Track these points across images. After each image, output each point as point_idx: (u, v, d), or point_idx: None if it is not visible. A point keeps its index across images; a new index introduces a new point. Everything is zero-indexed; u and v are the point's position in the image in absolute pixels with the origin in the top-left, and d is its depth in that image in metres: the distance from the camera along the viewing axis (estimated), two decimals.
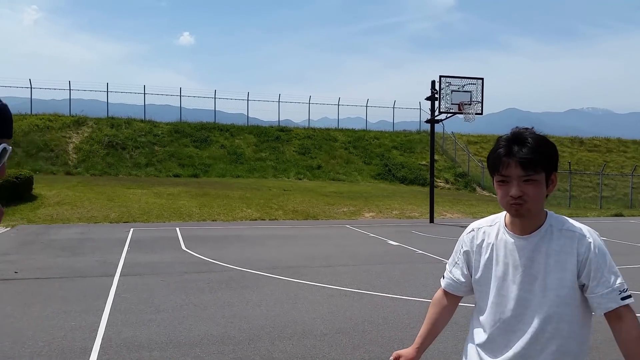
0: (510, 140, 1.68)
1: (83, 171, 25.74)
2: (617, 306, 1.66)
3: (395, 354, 1.98)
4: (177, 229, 13.95)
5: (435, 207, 17.66)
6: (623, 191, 28.85)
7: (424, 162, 31.61)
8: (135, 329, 5.33)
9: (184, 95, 35.31)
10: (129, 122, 31.56)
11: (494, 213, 1.94)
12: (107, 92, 33.96)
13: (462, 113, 17.36)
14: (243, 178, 27.26)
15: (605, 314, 1.69)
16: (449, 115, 17.75)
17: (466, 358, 1.93)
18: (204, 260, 9.37)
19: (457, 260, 1.97)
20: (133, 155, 28.42)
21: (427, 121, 18.27)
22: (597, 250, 1.69)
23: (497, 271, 1.80)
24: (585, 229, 1.74)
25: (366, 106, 38.33)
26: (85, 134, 29.39)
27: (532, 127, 1.74)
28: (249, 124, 35.36)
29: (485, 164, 1.80)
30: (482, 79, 17.69)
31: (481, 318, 1.86)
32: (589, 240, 1.70)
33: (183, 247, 10.93)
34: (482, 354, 1.84)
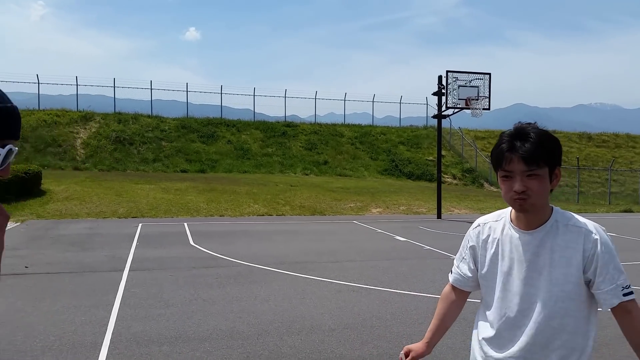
0: (513, 136, 1.69)
1: (91, 166, 25.87)
2: (619, 302, 1.68)
3: (405, 348, 2.01)
4: (185, 224, 14.01)
5: (442, 203, 17.63)
6: (632, 187, 28.67)
7: (431, 158, 31.53)
8: (144, 324, 5.37)
9: (190, 91, 35.42)
10: (136, 117, 31.67)
11: (502, 209, 1.94)
12: (114, 87, 34.08)
13: (469, 108, 17.30)
14: (250, 173, 27.31)
15: (612, 309, 1.71)
16: (456, 110, 17.69)
17: (472, 352, 1.95)
18: (212, 256, 9.41)
19: (464, 255, 1.98)
20: (140, 151, 28.53)
21: (434, 116, 18.21)
22: (604, 247, 1.69)
23: (502, 266, 1.81)
24: (591, 224, 1.74)
25: (373, 101, 38.25)
26: (93, 130, 29.52)
27: (536, 122, 1.74)
28: (256, 119, 35.39)
29: None
30: (490, 74, 17.61)
31: (487, 313, 1.87)
32: (596, 236, 1.70)
33: (191, 242, 10.98)
34: (488, 348, 1.85)
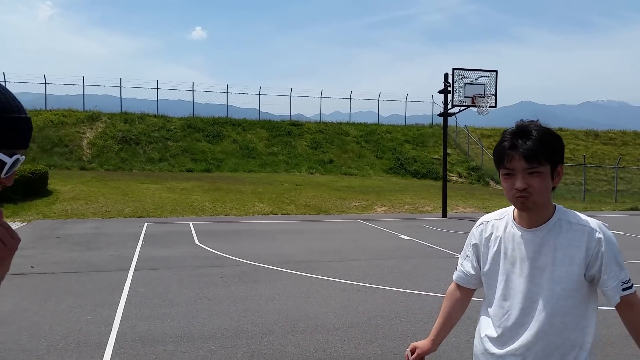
0: (515, 134, 1.70)
1: (97, 166, 25.98)
2: (620, 296, 1.71)
3: (411, 345, 2.05)
4: (191, 223, 14.04)
5: (448, 202, 17.57)
6: (639, 185, 28.49)
7: (436, 156, 31.45)
8: (149, 323, 5.38)
9: (196, 90, 35.49)
10: (142, 117, 31.76)
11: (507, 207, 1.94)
12: (121, 87, 34.20)
13: (475, 106, 17.22)
14: (255, 173, 27.33)
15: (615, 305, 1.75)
16: (462, 108, 17.62)
17: (475, 349, 1.97)
18: (217, 255, 9.42)
19: (467, 253, 2.00)
20: (146, 151, 28.61)
21: (440, 114, 18.15)
22: (608, 245, 1.70)
23: (504, 264, 1.82)
24: (594, 222, 1.75)
25: (378, 100, 38.18)
26: (99, 129, 29.63)
27: (538, 120, 1.75)
28: (261, 118, 35.41)
29: None
30: (496, 71, 17.51)
31: (489, 310, 1.89)
32: (599, 234, 1.71)
33: (196, 241, 11.00)
34: (490, 345, 1.86)
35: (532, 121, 1.74)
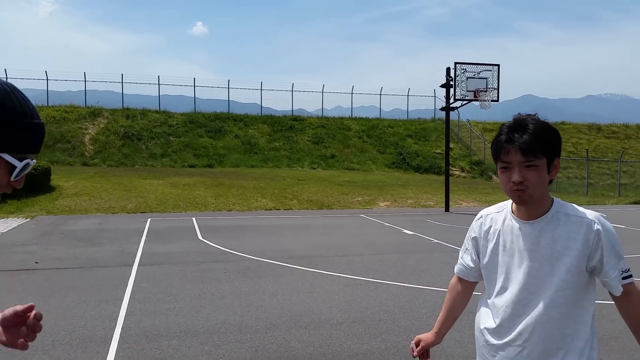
0: (512, 127, 1.72)
1: (100, 162, 26.02)
2: (621, 285, 1.73)
3: (416, 338, 2.10)
4: (193, 219, 14.06)
5: (450, 196, 17.56)
6: None
7: (438, 151, 31.41)
8: (154, 318, 5.40)
9: (197, 86, 35.46)
10: (144, 112, 31.77)
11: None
12: (122, 83, 34.25)
13: (477, 100, 17.19)
14: (257, 168, 27.34)
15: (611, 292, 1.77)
16: (465, 102, 17.59)
17: (476, 341, 1.99)
18: (221, 250, 9.44)
19: (467, 246, 2.03)
20: (149, 146, 28.64)
21: (442, 109, 18.11)
22: (607, 236, 1.72)
23: (504, 256, 1.85)
24: (592, 214, 1.76)
25: (380, 94, 38.11)
26: (101, 125, 29.66)
27: (536, 114, 1.77)
28: (263, 113, 35.40)
29: None
30: (498, 65, 17.47)
31: (488, 302, 1.92)
32: (598, 226, 1.72)
33: (199, 236, 11.03)
34: (489, 337, 1.89)
35: (529, 115, 1.76)
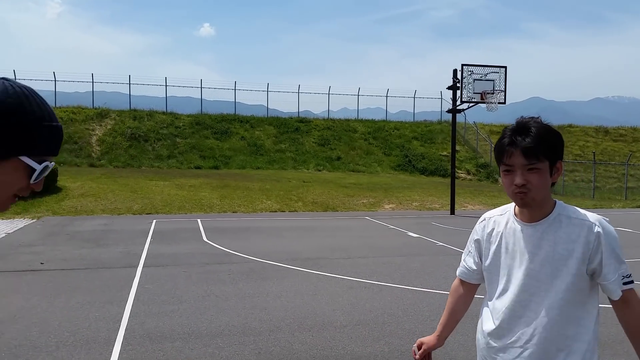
0: (515, 130, 1.73)
1: (106, 163, 26.12)
2: (621, 290, 1.73)
3: (418, 341, 2.11)
4: (199, 220, 14.09)
5: (456, 199, 17.51)
6: None
7: (445, 153, 31.33)
8: (158, 320, 5.41)
9: (204, 87, 35.57)
10: (151, 114, 31.88)
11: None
12: (129, 84, 34.36)
13: (484, 102, 17.13)
14: (263, 169, 27.37)
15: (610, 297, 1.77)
16: (471, 104, 17.53)
17: (477, 343, 2.01)
18: (225, 252, 9.45)
19: (470, 249, 2.05)
20: (155, 147, 28.73)
21: (449, 111, 18.06)
22: (607, 239, 1.72)
23: (505, 259, 1.86)
24: (594, 217, 1.77)
25: (386, 96, 38.08)
26: (108, 126, 29.78)
27: (539, 117, 1.79)
28: (269, 115, 35.44)
29: None
30: (505, 67, 17.41)
31: (490, 304, 1.93)
32: (599, 228, 1.72)
33: (204, 238, 11.04)
34: (490, 339, 1.90)
35: (532, 118, 1.77)
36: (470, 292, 2.11)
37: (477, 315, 2.05)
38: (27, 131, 1.06)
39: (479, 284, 2.10)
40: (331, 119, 35.60)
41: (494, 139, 32.59)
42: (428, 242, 11.01)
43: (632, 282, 1.74)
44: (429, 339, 2.10)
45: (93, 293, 6.50)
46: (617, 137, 36.06)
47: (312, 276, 7.59)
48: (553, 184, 1.77)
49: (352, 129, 34.14)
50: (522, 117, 1.79)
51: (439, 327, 2.12)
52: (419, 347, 2.09)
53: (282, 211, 16.80)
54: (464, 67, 17.00)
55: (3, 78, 1.09)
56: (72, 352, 4.51)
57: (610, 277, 1.72)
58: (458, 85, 16.99)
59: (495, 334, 1.87)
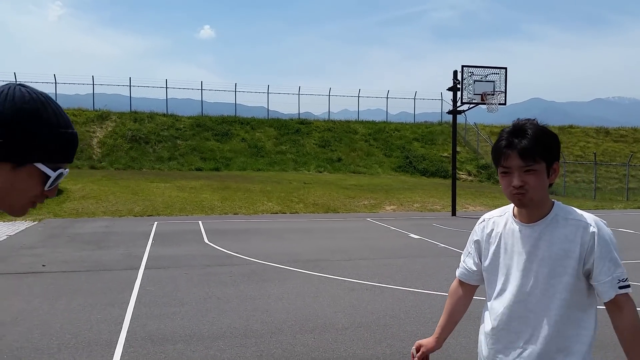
0: (511, 133, 1.75)
1: (107, 165, 26.14)
2: (615, 294, 1.72)
3: (417, 343, 2.11)
4: (200, 222, 14.09)
5: (457, 200, 17.50)
6: None
7: (445, 154, 31.33)
8: (159, 322, 5.41)
9: (205, 89, 35.64)
10: (151, 116, 31.91)
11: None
12: (130, 86, 34.39)
13: (485, 103, 17.13)
14: (264, 171, 27.38)
15: (604, 302, 1.76)
16: (472, 105, 17.53)
17: (479, 345, 2.02)
18: (226, 254, 9.45)
19: (469, 250, 2.06)
20: (156, 149, 28.75)
21: (449, 112, 18.06)
22: (601, 240, 1.73)
23: (504, 259, 1.88)
24: (591, 218, 1.78)
25: (387, 97, 38.12)
26: (109, 129, 29.82)
27: (535, 119, 1.80)
28: (269, 117, 35.46)
29: None
30: (506, 68, 17.41)
31: (489, 305, 1.94)
32: (594, 229, 1.74)
33: (206, 240, 11.04)
34: (489, 340, 1.91)
35: (528, 120, 1.79)
36: (470, 293, 2.13)
37: (479, 316, 2.05)
38: (42, 138, 1.07)
39: (478, 285, 2.11)
40: (332, 121, 35.62)
41: (495, 140, 32.55)
42: (429, 243, 11.01)
43: (628, 286, 1.73)
44: (427, 341, 2.10)
45: (94, 295, 6.50)
46: (617, 138, 36.05)
47: (313, 278, 7.58)
48: (550, 185, 1.79)
49: (352, 130, 34.15)
50: (518, 119, 1.82)
51: (437, 329, 2.12)
52: (418, 350, 2.10)
53: (283, 213, 16.80)
54: (465, 68, 17.00)
55: (20, 84, 1.09)
56: (74, 355, 4.51)
57: (601, 278, 1.72)
58: (458, 86, 16.99)
59: (494, 334, 1.89)
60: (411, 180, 26.88)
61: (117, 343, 4.80)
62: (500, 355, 1.86)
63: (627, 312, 1.72)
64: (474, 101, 17.10)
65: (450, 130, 20.36)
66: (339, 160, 30.32)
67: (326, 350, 4.70)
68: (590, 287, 1.78)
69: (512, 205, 1.90)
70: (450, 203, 17.46)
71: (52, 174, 1.10)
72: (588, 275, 1.77)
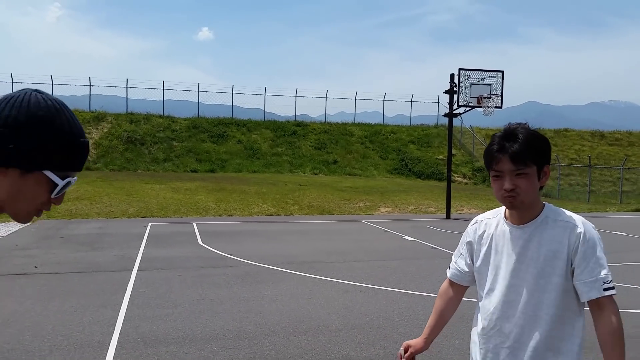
0: (502, 137, 1.79)
1: (102, 166, 26.07)
2: (599, 296, 1.73)
3: (405, 344, 2.11)
4: (194, 223, 14.06)
5: (452, 202, 17.53)
6: None
7: (441, 157, 31.39)
8: (152, 324, 5.39)
9: (202, 91, 35.61)
10: (147, 117, 31.86)
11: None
12: (127, 87, 34.35)
13: (481, 106, 17.17)
14: (259, 173, 27.36)
15: (588, 302, 1.77)
16: (468, 109, 17.57)
17: (471, 346, 2.04)
18: (220, 255, 9.43)
19: (461, 251, 2.08)
20: (151, 151, 28.70)
21: (446, 115, 18.10)
22: (586, 240, 1.76)
23: (495, 260, 1.91)
24: (579, 219, 1.82)
25: (383, 100, 38.18)
26: (105, 130, 29.75)
27: (526, 123, 1.84)
28: (266, 118, 35.46)
29: None
30: (502, 71, 17.46)
31: (480, 305, 1.97)
32: (580, 229, 1.77)
33: (200, 241, 11.01)
34: (480, 340, 1.94)
35: (519, 124, 1.83)
36: (460, 294, 2.14)
37: (471, 318, 2.06)
38: (54, 146, 1.06)
39: (468, 287, 2.12)
40: (328, 123, 35.65)
41: None
42: (424, 245, 11.01)
43: (612, 288, 1.74)
44: (416, 342, 2.10)
45: (87, 297, 6.47)
46: (612, 141, 36.21)
47: (307, 280, 7.57)
48: (541, 188, 1.82)
49: (348, 132, 34.18)
50: (509, 123, 1.85)
51: (426, 330, 2.13)
52: (406, 350, 2.10)
53: (278, 215, 16.78)
54: (461, 71, 17.05)
55: (37, 90, 1.08)
56: (66, 356, 4.48)
57: (582, 277, 1.74)
58: (455, 89, 17.03)
59: (484, 334, 1.91)
60: (406, 183, 26.92)
61: (109, 345, 4.77)
62: (490, 355, 1.89)
63: (608, 313, 1.73)
64: (470, 104, 17.14)
65: (446, 133, 20.40)
66: (335, 162, 30.34)
67: (320, 352, 4.68)
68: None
69: (504, 207, 1.93)
70: (445, 205, 17.48)
71: (61, 183, 1.09)
72: (573, 274, 1.79)
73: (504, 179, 1.77)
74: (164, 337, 5.00)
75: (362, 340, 5.01)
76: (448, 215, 16.97)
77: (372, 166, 30.50)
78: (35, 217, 1.14)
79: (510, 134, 1.77)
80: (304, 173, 28.35)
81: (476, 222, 2.03)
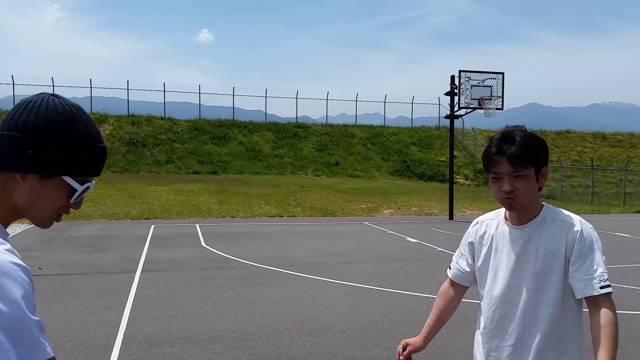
0: (501, 139, 1.81)
1: (104, 168, 26.07)
2: (595, 294, 1.74)
3: (403, 342, 2.12)
4: (197, 225, 14.08)
5: (454, 204, 17.53)
6: None
7: (443, 158, 31.37)
8: (156, 325, 5.40)
9: (203, 93, 35.59)
10: (149, 119, 31.89)
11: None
12: (128, 89, 34.39)
13: (482, 108, 17.18)
14: (261, 175, 27.38)
15: (586, 300, 1.78)
16: (469, 110, 17.58)
17: (474, 346, 2.06)
18: (224, 257, 9.44)
19: (462, 252, 2.11)
20: (153, 153, 28.72)
21: (447, 117, 18.12)
22: (583, 239, 1.78)
23: (495, 260, 1.94)
24: (576, 218, 1.84)
25: (384, 102, 38.16)
26: (107, 132, 29.78)
27: (524, 125, 1.87)
28: (267, 120, 35.47)
29: None
30: (503, 73, 17.47)
31: (481, 305, 2.00)
32: (577, 228, 1.80)
33: (203, 243, 11.03)
34: (483, 339, 1.96)
35: (517, 127, 1.85)
36: (460, 294, 2.17)
37: (475, 319, 2.07)
38: (72, 151, 1.06)
39: (469, 287, 2.15)
40: (329, 125, 35.64)
41: None
42: (427, 247, 11.01)
43: (609, 286, 1.76)
44: (414, 340, 2.11)
45: (91, 298, 6.49)
46: (614, 143, 36.15)
47: (310, 281, 7.58)
48: (540, 189, 1.85)
49: (350, 134, 34.18)
50: (507, 126, 1.88)
51: (425, 329, 2.14)
52: (404, 348, 2.11)
53: (281, 216, 16.79)
54: (462, 73, 17.07)
55: (54, 95, 1.08)
56: (71, 357, 4.50)
57: (577, 275, 1.76)
58: (456, 91, 17.04)
59: (486, 333, 1.94)
60: (409, 184, 26.92)
61: (113, 346, 4.79)
62: (493, 354, 1.91)
63: (604, 310, 1.73)
64: (471, 106, 17.16)
65: (448, 134, 20.41)
66: (337, 164, 30.34)
67: (323, 353, 4.69)
68: None
69: (504, 208, 1.95)
70: (447, 207, 17.49)
71: (80, 188, 1.09)
72: None
73: (502, 181, 1.80)
74: (168, 338, 5.01)
75: (365, 341, 5.01)
76: (451, 217, 16.97)
77: (374, 168, 30.49)
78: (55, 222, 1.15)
79: (507, 136, 1.80)
80: (306, 175, 28.36)
81: (477, 223, 2.06)
